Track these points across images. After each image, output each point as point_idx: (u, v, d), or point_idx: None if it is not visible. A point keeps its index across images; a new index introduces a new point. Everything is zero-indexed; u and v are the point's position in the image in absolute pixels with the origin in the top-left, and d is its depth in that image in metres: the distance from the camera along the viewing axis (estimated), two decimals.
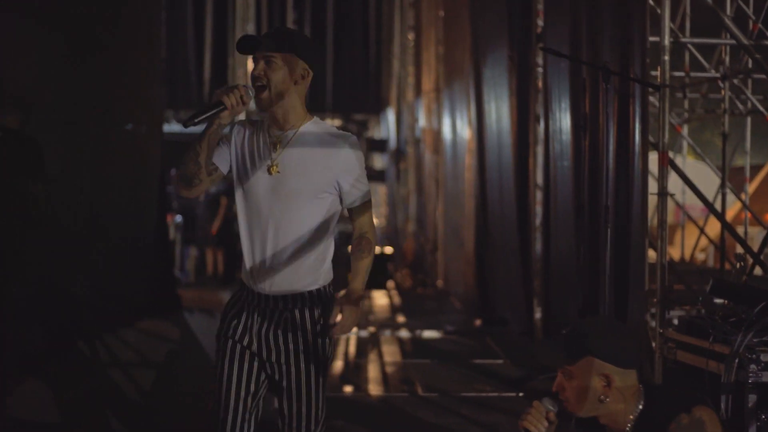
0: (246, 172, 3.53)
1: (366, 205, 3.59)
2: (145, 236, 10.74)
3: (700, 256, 12.10)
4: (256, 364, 3.56)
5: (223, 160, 3.55)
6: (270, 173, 3.47)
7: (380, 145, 17.64)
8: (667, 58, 6.43)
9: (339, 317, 3.40)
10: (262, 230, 3.51)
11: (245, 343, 3.54)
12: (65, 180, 8.10)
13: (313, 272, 3.54)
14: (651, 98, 8.17)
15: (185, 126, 3.35)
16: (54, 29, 8.11)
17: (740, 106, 9.92)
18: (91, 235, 8.82)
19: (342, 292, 3.50)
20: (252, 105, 3.49)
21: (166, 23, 11.79)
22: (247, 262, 3.55)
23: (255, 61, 3.43)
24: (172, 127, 18.64)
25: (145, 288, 10.33)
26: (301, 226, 3.49)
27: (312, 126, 3.52)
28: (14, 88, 6.36)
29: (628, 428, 2.98)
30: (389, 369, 7.87)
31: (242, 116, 3.88)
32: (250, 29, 18.58)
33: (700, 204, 11.64)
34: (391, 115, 17.61)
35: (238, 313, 3.58)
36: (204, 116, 3.36)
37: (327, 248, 3.58)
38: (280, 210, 3.47)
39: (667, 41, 6.43)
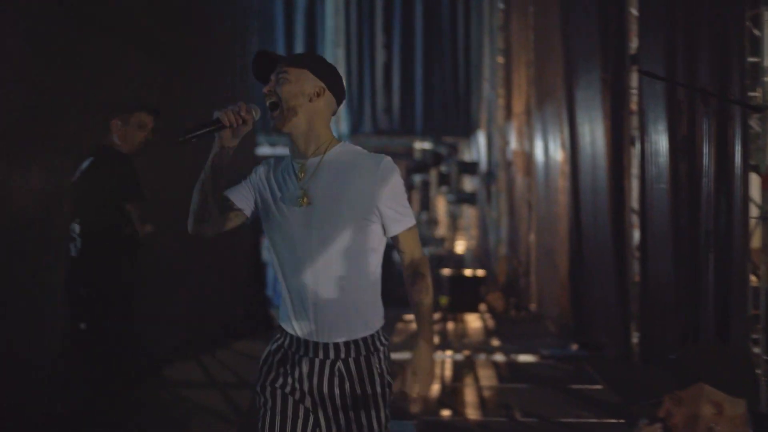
0: (273, 209, 3.19)
1: (412, 231, 3.20)
2: (240, 257, 10.91)
3: None
4: (310, 421, 3.19)
5: (245, 200, 3.27)
6: (300, 205, 3.13)
7: (471, 168, 17.61)
8: (767, 79, 6.33)
9: (412, 382, 3.10)
10: (298, 270, 3.13)
11: (297, 396, 3.19)
12: (163, 201, 8.25)
13: (363, 315, 3.17)
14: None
15: (179, 141, 3.02)
16: (155, 58, 8.30)
17: None
18: (188, 256, 8.97)
19: (413, 353, 3.15)
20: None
21: (257, 48, 11.94)
22: (287, 306, 3.18)
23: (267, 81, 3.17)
24: (264, 150, 18.89)
25: (239, 308, 10.49)
26: (342, 261, 3.12)
27: (340, 149, 3.18)
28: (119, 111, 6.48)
29: None
30: (486, 393, 7.83)
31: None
32: (340, 54, 18.75)
33: None
34: (481, 138, 17.59)
35: (283, 361, 3.23)
36: (198, 133, 3.06)
37: (375, 286, 3.21)
38: (316, 245, 3.10)
39: (767, 62, 6.33)
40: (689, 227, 7.22)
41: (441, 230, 20.16)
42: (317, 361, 3.15)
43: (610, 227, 9.16)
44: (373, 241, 3.16)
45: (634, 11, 8.74)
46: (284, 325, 3.21)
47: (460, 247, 17.18)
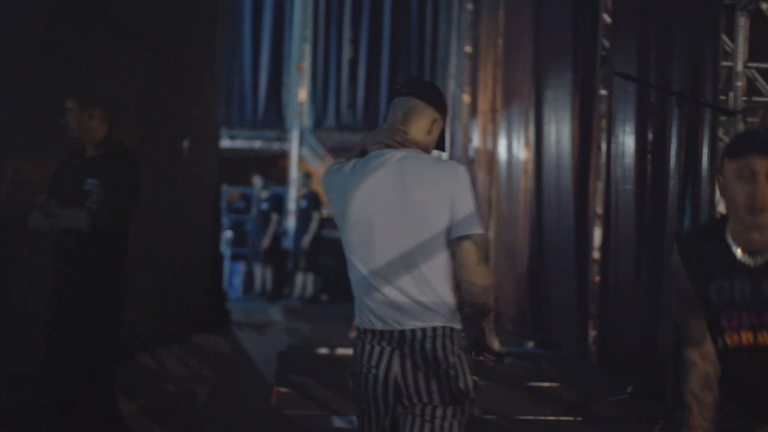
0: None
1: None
2: (201, 251, 10.81)
3: None
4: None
5: None
6: None
7: None
8: (740, 83, 6.38)
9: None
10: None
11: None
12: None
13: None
14: None
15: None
16: (137, 48, 8.24)
17: None
18: (150, 249, 8.89)
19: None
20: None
21: (224, 43, 11.88)
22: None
23: None
24: (224, 143, 18.76)
25: (198, 303, 10.39)
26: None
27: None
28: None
29: None
30: None
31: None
32: (307, 49, 18.68)
33: None
34: (445, 135, 17.61)
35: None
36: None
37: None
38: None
39: (740, 66, 6.38)
40: (653, 229, 7.26)
41: None
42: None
43: (573, 227, 9.20)
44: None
45: (607, 17, 8.78)
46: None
47: None
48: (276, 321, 12.17)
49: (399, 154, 3.32)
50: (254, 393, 7.54)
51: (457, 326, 3.28)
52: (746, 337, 2.99)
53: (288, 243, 16.09)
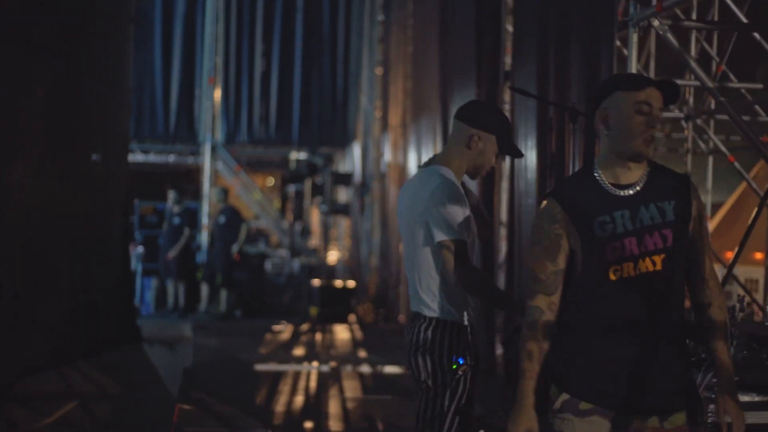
0: None
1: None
2: (108, 267, 10.66)
3: None
4: None
5: None
6: None
7: (345, 179, 17.62)
8: None
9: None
10: None
11: None
12: (36, 207, 8.08)
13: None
14: None
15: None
16: (42, 61, 8.12)
17: (702, 146, 10.00)
18: (58, 264, 8.76)
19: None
20: None
21: (133, 54, 11.72)
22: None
23: None
24: (136, 157, 18.57)
25: (106, 319, 10.24)
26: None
27: None
28: None
29: None
30: (350, 405, 7.82)
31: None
32: (219, 62, 18.58)
33: None
34: (357, 149, 17.65)
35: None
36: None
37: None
38: None
39: None
40: None
41: (314, 240, 20.14)
42: None
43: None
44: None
45: (510, 27, 8.88)
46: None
47: (332, 257, 17.17)
48: (186, 337, 12.04)
49: (418, 172, 4.10)
50: (157, 410, 7.45)
51: (450, 318, 3.82)
52: (627, 268, 3.16)
53: (202, 258, 15.99)
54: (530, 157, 7.94)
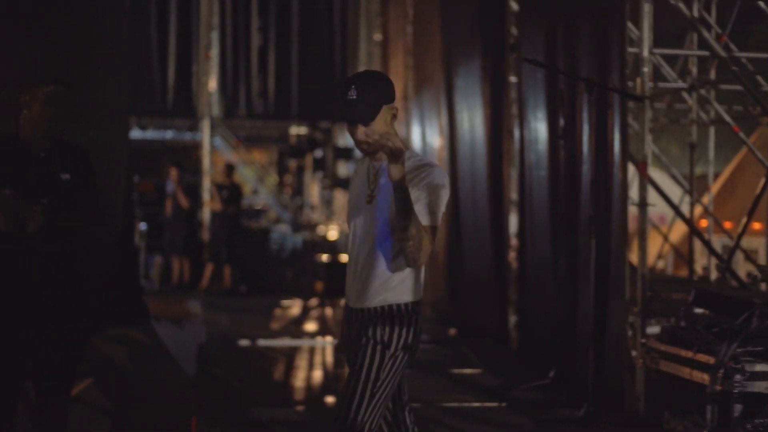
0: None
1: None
2: (111, 244, 10.66)
3: (659, 264, 12.17)
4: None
5: None
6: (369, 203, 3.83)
7: (345, 153, 17.60)
8: (646, 69, 6.50)
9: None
10: None
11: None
12: None
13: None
14: None
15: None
16: (39, 36, 8.07)
17: (704, 116, 10.01)
18: (59, 242, 8.74)
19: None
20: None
21: (129, 30, 11.67)
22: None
23: None
24: (134, 134, 18.49)
25: (111, 296, 10.25)
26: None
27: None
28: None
29: None
30: None
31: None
32: (215, 37, 18.49)
33: (658, 212, 11.74)
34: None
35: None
36: None
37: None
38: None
39: (646, 52, 6.50)
40: (568, 213, 7.36)
41: (315, 215, 20.14)
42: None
43: (488, 213, 9.29)
44: None
45: (514, 3, 8.87)
46: None
47: (333, 232, 17.18)
48: (194, 313, 12.06)
49: None
50: (174, 387, 7.49)
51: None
52: None
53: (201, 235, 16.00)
54: (540, 129, 7.96)
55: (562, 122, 7.38)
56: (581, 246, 7.05)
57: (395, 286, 3.75)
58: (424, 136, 12.07)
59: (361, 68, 16.70)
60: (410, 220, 3.58)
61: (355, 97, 3.73)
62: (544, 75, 7.76)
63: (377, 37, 15.45)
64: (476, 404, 6.87)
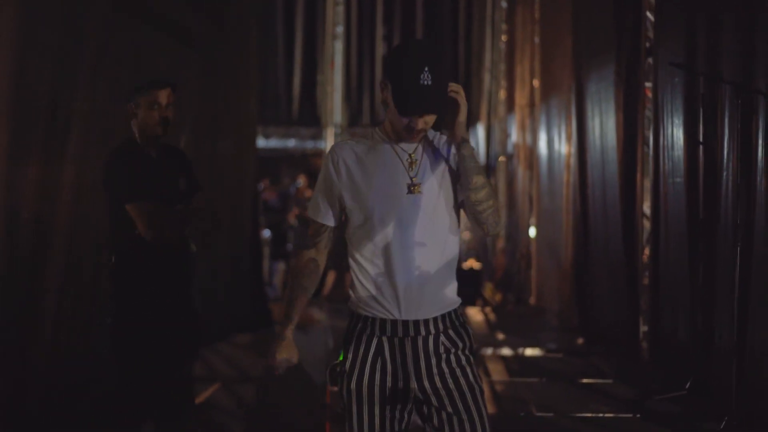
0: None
1: None
2: (241, 251, 10.80)
3: None
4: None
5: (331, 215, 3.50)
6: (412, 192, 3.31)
7: None
8: None
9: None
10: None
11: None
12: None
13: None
14: None
15: None
16: (180, 46, 8.23)
17: None
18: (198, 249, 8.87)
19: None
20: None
21: (257, 41, 11.85)
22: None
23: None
24: (258, 143, 18.72)
25: (241, 303, 10.38)
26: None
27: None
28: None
29: None
30: (498, 387, 7.74)
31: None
32: (338, 47, 18.62)
33: None
34: (480, 130, 17.51)
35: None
36: None
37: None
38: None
39: None
40: (707, 221, 7.12)
41: None
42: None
43: (620, 221, 9.08)
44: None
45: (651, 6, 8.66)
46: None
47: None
48: (317, 319, 12.11)
49: None
50: (305, 392, 7.50)
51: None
52: None
53: None
54: (677, 134, 7.75)
55: (701, 127, 7.14)
56: (720, 255, 6.83)
57: (452, 287, 3.38)
58: (551, 143, 11.91)
59: (486, 75, 16.59)
60: (485, 177, 3.28)
61: (430, 83, 3.15)
62: (681, 79, 7.55)
63: (502, 43, 15.33)
64: (610, 415, 6.70)
